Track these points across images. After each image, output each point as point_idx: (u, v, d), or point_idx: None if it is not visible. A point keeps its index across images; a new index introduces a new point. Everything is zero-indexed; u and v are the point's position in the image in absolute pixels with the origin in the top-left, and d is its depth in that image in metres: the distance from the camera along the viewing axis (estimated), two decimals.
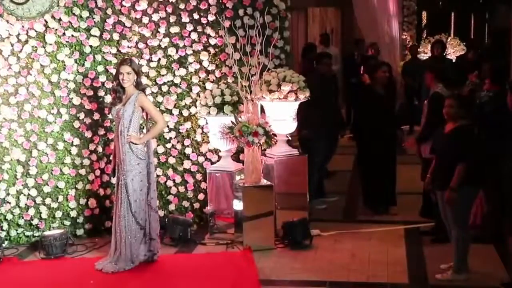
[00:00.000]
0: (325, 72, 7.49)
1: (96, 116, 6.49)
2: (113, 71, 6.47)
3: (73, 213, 6.45)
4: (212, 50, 6.67)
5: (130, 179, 5.38)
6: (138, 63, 6.47)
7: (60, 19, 6.30)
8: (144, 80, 6.52)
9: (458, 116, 5.05)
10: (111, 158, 6.47)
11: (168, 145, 6.68)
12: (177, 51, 6.61)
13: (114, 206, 5.54)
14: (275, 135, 6.15)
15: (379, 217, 6.89)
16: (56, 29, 6.30)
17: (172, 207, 6.69)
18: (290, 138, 6.62)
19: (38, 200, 6.37)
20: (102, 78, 6.48)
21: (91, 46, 6.41)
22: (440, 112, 5.20)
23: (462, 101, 5.13)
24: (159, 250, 5.65)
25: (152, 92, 6.60)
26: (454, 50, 13.51)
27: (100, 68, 6.46)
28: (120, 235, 5.42)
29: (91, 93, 6.45)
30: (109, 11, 6.41)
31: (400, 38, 14.11)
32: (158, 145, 6.65)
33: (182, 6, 6.53)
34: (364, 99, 7.12)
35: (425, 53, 13.16)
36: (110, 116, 6.43)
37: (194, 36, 6.62)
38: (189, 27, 6.57)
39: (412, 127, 10.34)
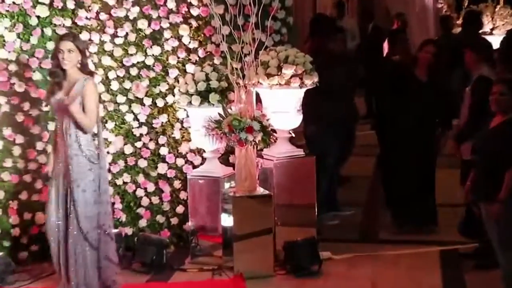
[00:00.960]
0: (336, 50, 7.46)
1: (46, 106, 6.44)
2: None
3: (15, 232, 6.41)
4: (194, 23, 6.66)
5: (81, 190, 5.34)
6: (100, 38, 6.47)
7: None
8: (108, 61, 6.54)
9: (510, 106, 5.03)
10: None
11: (138, 144, 6.67)
12: (149, 24, 6.60)
13: (53, 225, 5.44)
14: (274, 131, 6.14)
15: (407, 236, 6.87)
16: None
17: (143, 223, 6.69)
18: (293, 135, 6.62)
19: None
20: None
21: (38, 17, 6.38)
22: (486, 101, 5.19)
23: None
24: (116, 280, 5.56)
25: (118, 76, 6.58)
26: (504, 23, 13.45)
27: (50, 46, 6.38)
28: (69, 261, 5.36)
29: (38, 76, 6.41)
30: None
31: (434, 7, 14.11)
32: (125, 144, 6.63)
33: None
34: (397, 86, 7.02)
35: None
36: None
37: (171, 4, 6.60)
38: None
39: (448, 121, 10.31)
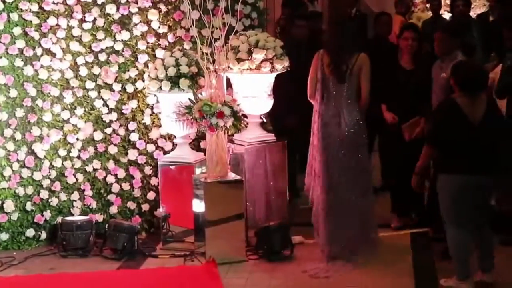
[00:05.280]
0: (300, 37, 7.42)
1: (13, 93, 6.40)
2: (34, 35, 6.38)
3: None
4: (163, 8, 6.62)
5: None
6: (68, 24, 6.39)
7: None
8: (76, 46, 6.46)
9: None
10: (32, 147, 6.40)
11: (108, 130, 6.62)
12: (118, 9, 6.55)
13: None
14: (245, 116, 6.12)
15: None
16: None
17: (113, 209, 6.66)
18: (265, 120, 6.61)
19: None
20: (20, 43, 6.39)
21: (4, 2, 6.32)
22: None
23: None
24: None
25: (86, 61, 6.53)
26: (473, 6, 13.18)
27: (17, 31, 6.36)
28: None
29: (5, 62, 6.36)
30: None
31: None
32: (94, 130, 6.59)
33: None
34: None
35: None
36: (32, 94, 6.35)
37: None
38: None
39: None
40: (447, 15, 11.73)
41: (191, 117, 5.94)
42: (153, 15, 6.58)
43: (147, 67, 6.54)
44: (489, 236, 5.34)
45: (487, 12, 10.84)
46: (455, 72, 5.28)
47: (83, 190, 6.58)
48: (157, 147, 6.68)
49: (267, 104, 6.43)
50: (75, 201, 6.56)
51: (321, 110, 5.95)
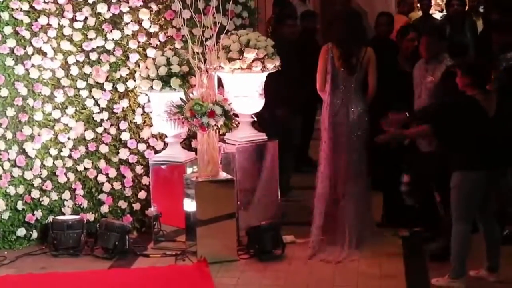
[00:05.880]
0: (289, 36, 7.42)
1: (4, 92, 6.37)
2: (25, 34, 6.36)
3: None
4: (154, 7, 6.60)
5: None
6: (59, 23, 6.38)
7: None
8: (67, 46, 6.44)
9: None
10: (23, 147, 6.38)
11: (99, 129, 6.61)
12: (109, 8, 6.53)
13: None
14: (236, 115, 6.13)
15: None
16: None
17: (105, 209, 6.64)
18: (255, 119, 6.59)
19: None
20: (11, 42, 6.36)
21: None
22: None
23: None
24: None
25: (78, 61, 6.51)
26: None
27: (8, 30, 6.34)
28: None
29: None
30: None
31: None
32: (85, 130, 6.57)
33: None
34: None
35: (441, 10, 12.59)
36: (23, 93, 6.34)
37: None
38: None
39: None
40: (437, 15, 11.74)
41: (183, 116, 5.94)
42: (144, 14, 6.56)
43: (138, 66, 6.52)
44: (497, 233, 5.45)
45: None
46: (472, 72, 5.30)
47: (74, 189, 6.57)
48: (148, 146, 6.66)
49: (258, 103, 6.43)
50: (66, 200, 6.55)
51: (330, 101, 6.21)
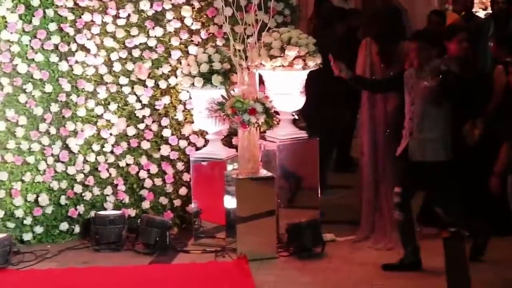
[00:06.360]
0: (336, 36, 7.45)
1: (48, 88, 6.44)
2: (69, 30, 6.42)
3: (19, 213, 6.42)
4: (196, 4, 6.62)
5: None
6: (102, 20, 6.43)
7: None
8: (110, 42, 6.49)
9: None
10: (67, 142, 6.45)
11: (141, 126, 6.64)
12: (151, 5, 6.56)
13: None
14: (277, 113, 6.12)
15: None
16: None
17: (146, 204, 6.68)
18: (297, 117, 6.59)
19: None
20: (56, 39, 6.42)
21: None
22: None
23: None
24: None
25: (120, 57, 6.56)
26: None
27: (52, 27, 6.40)
28: None
29: (41, 58, 6.40)
30: None
31: None
32: (127, 126, 6.62)
33: None
34: None
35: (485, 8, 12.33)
36: (66, 89, 6.41)
37: None
38: None
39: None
40: (481, 13, 11.57)
41: (224, 113, 5.95)
42: (186, 11, 6.58)
43: (180, 63, 6.55)
44: None
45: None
46: None
47: (116, 185, 6.62)
48: (189, 143, 6.69)
49: (299, 101, 6.41)
50: (108, 195, 6.61)
51: (370, 94, 6.34)
